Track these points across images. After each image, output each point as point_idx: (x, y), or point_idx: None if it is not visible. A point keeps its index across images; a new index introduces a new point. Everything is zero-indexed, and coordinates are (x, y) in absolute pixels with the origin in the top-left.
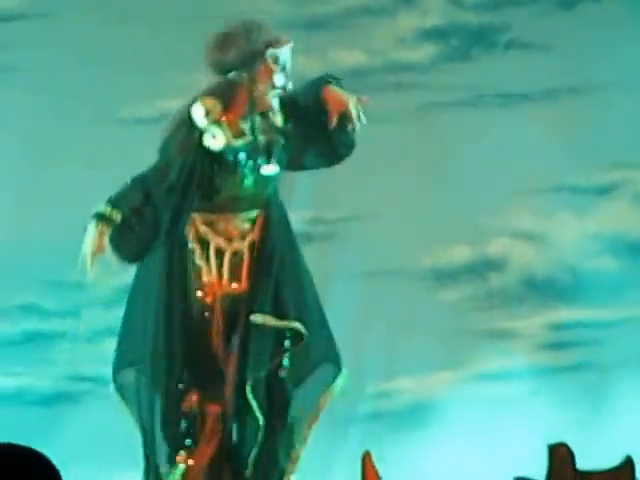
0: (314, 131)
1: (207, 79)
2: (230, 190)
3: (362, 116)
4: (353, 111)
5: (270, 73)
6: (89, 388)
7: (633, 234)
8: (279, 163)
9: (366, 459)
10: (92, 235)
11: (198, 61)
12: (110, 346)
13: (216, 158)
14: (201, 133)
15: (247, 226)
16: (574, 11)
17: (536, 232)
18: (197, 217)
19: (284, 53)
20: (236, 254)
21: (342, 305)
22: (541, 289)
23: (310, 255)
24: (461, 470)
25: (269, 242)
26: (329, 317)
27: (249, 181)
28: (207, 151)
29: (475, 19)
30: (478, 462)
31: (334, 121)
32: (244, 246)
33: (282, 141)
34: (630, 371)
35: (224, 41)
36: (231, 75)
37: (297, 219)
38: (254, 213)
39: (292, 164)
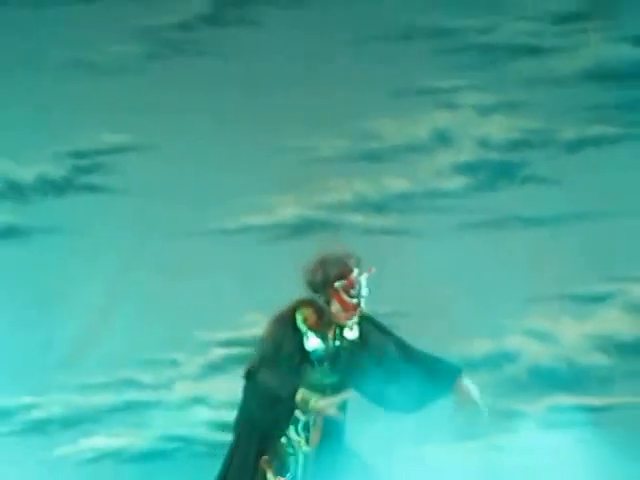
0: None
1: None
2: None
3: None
4: (479, 406)
5: (350, 286)
6: (179, 446)
7: (622, 336)
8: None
9: None
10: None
11: (276, 186)
12: (197, 412)
13: (307, 354)
14: (300, 333)
15: None
16: (579, 154)
17: (543, 331)
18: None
19: (360, 282)
20: None
21: None
22: (545, 378)
23: None
24: None
25: None
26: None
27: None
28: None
29: (498, 157)
30: None
31: (460, 410)
32: None
33: (352, 351)
34: (617, 445)
35: (315, 267)
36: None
37: None
38: None
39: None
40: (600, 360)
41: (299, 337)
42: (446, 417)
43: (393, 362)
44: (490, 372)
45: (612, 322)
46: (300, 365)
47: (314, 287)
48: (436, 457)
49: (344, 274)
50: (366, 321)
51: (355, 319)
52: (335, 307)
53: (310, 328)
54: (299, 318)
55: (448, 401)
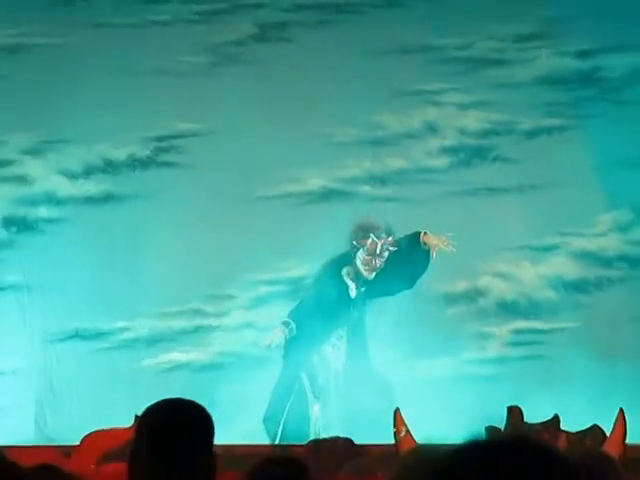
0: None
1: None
2: None
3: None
4: (440, 246)
5: (372, 250)
6: (234, 360)
7: (566, 277)
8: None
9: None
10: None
11: (305, 163)
12: (247, 334)
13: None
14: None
15: None
16: (535, 140)
17: (507, 273)
18: None
19: (380, 246)
20: None
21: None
22: (509, 309)
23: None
24: None
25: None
26: None
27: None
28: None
29: (474, 142)
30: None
31: (434, 254)
32: None
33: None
34: (561, 359)
35: (355, 229)
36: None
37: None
38: None
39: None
40: (550, 295)
41: None
42: (433, 340)
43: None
44: (467, 304)
45: (559, 266)
46: None
47: (353, 238)
48: (425, 369)
49: (364, 238)
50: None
51: (374, 269)
52: (360, 256)
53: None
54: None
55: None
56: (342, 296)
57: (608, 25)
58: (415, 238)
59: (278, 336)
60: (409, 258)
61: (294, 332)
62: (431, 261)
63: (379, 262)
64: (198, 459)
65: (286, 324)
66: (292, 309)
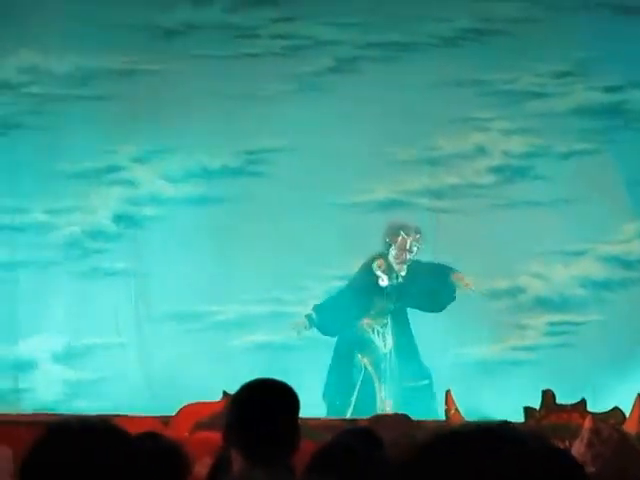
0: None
1: None
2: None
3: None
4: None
5: (402, 245)
6: (309, 343)
7: (593, 277)
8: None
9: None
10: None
11: (371, 177)
12: None
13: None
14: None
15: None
16: (568, 161)
17: (542, 274)
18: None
19: (409, 242)
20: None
21: None
22: (544, 304)
23: None
24: None
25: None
26: None
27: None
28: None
29: (516, 163)
30: None
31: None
32: None
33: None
34: (589, 348)
35: (388, 228)
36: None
37: None
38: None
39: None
40: (580, 292)
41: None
42: (480, 330)
43: (425, 284)
44: (508, 299)
45: (588, 268)
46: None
47: (385, 237)
48: (472, 355)
49: (395, 235)
50: (416, 264)
51: (404, 262)
52: (392, 251)
53: (382, 271)
54: (374, 265)
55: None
56: (371, 285)
57: (632, 64)
58: (447, 272)
59: (298, 326)
60: (438, 284)
61: (315, 322)
62: (456, 295)
63: (409, 256)
64: (284, 432)
65: (308, 317)
66: (322, 301)
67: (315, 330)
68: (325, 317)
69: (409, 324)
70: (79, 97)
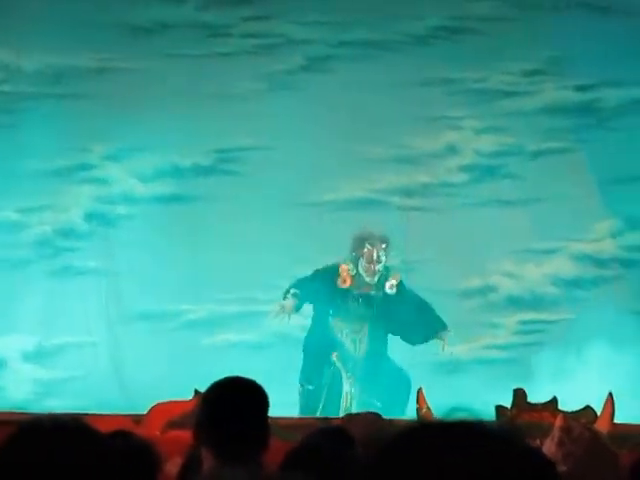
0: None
1: None
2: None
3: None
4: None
5: (369, 257)
6: (277, 341)
7: (566, 275)
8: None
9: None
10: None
11: (342, 175)
12: (292, 319)
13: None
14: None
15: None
16: (538, 160)
17: (514, 272)
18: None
19: (377, 251)
20: None
21: None
22: (516, 302)
23: None
24: None
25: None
26: None
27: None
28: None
29: (486, 161)
30: None
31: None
32: None
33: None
34: (561, 346)
35: (352, 242)
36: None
37: None
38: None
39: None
40: (551, 291)
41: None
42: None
43: (409, 314)
44: (479, 298)
45: (559, 266)
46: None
47: (352, 251)
48: (444, 354)
49: (360, 248)
50: (402, 285)
51: (375, 273)
52: (361, 264)
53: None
54: (340, 270)
55: None
56: (335, 285)
57: (604, 63)
58: (435, 318)
59: (289, 304)
60: (421, 322)
61: (300, 296)
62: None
63: (378, 266)
64: (253, 430)
65: (294, 295)
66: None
67: (290, 328)
68: (304, 291)
69: (386, 336)
70: (50, 95)
